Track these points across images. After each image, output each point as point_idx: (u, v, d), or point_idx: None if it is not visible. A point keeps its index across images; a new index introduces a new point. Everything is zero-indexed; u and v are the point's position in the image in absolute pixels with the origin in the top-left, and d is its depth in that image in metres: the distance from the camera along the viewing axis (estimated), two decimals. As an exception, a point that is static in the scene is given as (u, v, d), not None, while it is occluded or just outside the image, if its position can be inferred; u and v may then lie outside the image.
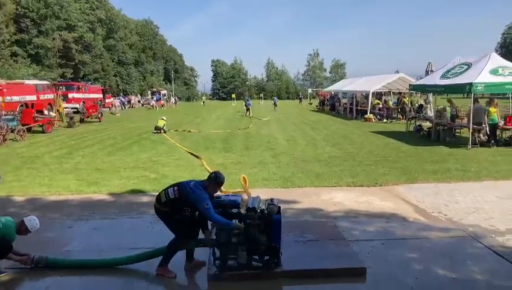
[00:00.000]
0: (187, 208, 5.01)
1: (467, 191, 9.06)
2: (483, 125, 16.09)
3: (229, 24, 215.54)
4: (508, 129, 15.66)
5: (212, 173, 5.12)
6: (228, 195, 5.50)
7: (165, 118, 22.78)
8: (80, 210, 7.99)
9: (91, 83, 50.61)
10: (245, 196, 6.80)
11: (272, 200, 5.22)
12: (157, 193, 5.32)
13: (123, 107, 47.91)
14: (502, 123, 16.40)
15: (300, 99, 66.52)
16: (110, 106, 44.63)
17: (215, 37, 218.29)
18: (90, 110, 30.60)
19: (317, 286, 5.01)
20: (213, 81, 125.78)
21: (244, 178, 7.51)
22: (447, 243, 6.20)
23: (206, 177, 5.16)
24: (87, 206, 8.21)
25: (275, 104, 47.89)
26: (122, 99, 52.02)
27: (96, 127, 25.55)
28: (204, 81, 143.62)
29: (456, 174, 10.68)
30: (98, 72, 69.34)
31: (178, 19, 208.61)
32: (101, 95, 43.83)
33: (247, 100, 39.78)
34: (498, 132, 16.48)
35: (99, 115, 30.69)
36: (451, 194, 8.82)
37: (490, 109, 16.10)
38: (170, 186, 5.17)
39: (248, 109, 36.63)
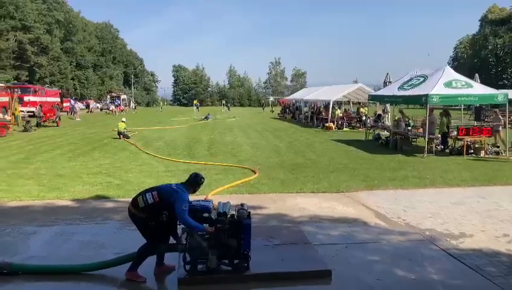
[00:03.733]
0: (165, 212, 5.02)
1: (424, 197, 9.48)
2: (438, 135, 16.95)
3: (191, 30, 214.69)
4: (460, 139, 16.50)
5: (192, 173, 5.35)
6: (199, 200, 5.48)
7: (124, 120, 22.29)
8: (43, 216, 7.83)
9: (48, 86, 49.02)
10: (216, 202, 6.90)
11: (242, 205, 5.27)
12: (122, 199, 5.31)
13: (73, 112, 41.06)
14: (455, 133, 17.26)
15: (263, 106, 68.90)
16: (68, 110, 43.37)
17: (177, 43, 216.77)
18: (48, 114, 29.72)
19: (285, 289, 5.17)
20: (174, 86, 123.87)
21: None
22: (406, 246, 6.52)
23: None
24: (51, 212, 8.05)
25: (228, 108, 65.80)
26: (74, 104, 44.27)
27: (54, 132, 24.84)
28: (165, 87, 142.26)
29: (413, 181, 11.17)
30: (55, 75, 67.35)
31: (139, 22, 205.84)
32: (58, 99, 42.58)
33: (198, 106, 57.56)
34: (451, 142, 17.35)
35: (57, 120, 29.84)
36: (409, 200, 9.20)
37: (443, 119, 16.97)
38: (147, 190, 5.18)
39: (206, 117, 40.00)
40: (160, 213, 5.05)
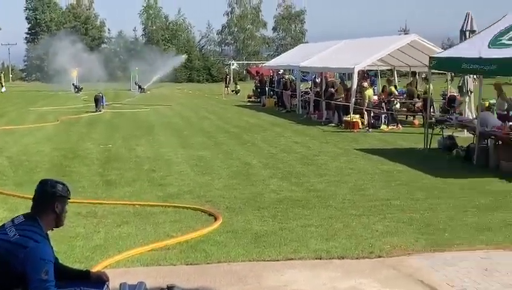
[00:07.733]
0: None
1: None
2: None
3: None
4: None
5: (40, 183, 3.21)
6: (80, 284, 3.29)
7: None
8: None
9: None
10: (115, 283, 3.89)
11: (170, 288, 3.82)
12: None
13: None
14: None
15: (226, 80, 38.81)
16: None
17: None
18: None
19: None
20: (28, 39, 65.23)
21: None
22: None
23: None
24: None
25: (140, 87, 36.84)
26: None
27: None
28: (10, 41, 67.42)
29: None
30: None
31: None
32: None
33: (77, 86, 35.02)
34: None
35: None
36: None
37: None
38: None
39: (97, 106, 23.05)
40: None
